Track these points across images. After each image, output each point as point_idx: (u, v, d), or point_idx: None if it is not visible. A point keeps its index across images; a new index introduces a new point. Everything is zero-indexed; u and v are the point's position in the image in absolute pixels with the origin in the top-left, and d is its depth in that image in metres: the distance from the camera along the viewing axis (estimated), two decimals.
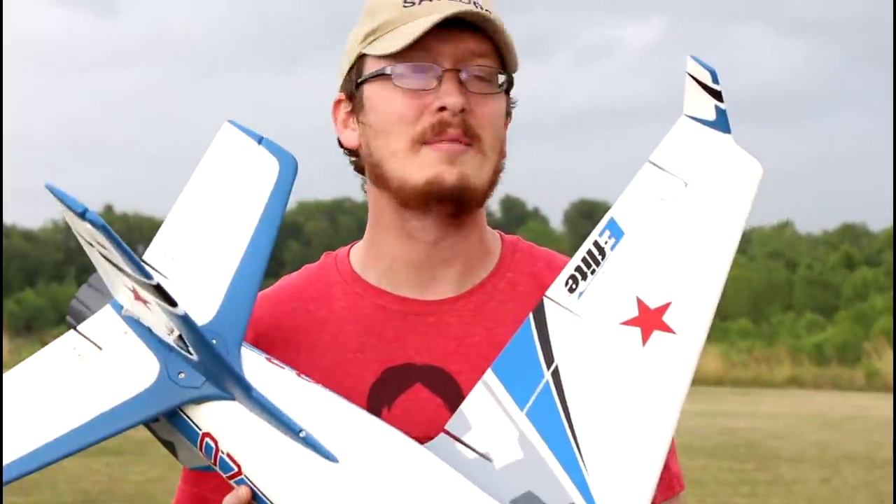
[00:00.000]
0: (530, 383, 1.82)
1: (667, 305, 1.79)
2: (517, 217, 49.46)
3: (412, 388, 2.01)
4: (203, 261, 1.96)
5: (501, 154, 2.06)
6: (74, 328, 1.96)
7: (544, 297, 1.84)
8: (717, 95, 1.79)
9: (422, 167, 1.98)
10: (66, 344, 1.93)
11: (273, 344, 2.02)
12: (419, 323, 2.04)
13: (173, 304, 1.73)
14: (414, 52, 1.98)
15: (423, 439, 1.84)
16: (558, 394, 1.79)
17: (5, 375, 1.88)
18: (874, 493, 11.19)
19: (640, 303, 1.80)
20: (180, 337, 1.81)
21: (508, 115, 2.09)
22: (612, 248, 1.83)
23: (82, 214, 1.66)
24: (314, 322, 2.07)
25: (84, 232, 1.75)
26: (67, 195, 1.70)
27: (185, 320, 1.76)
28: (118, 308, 1.93)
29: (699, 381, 28.19)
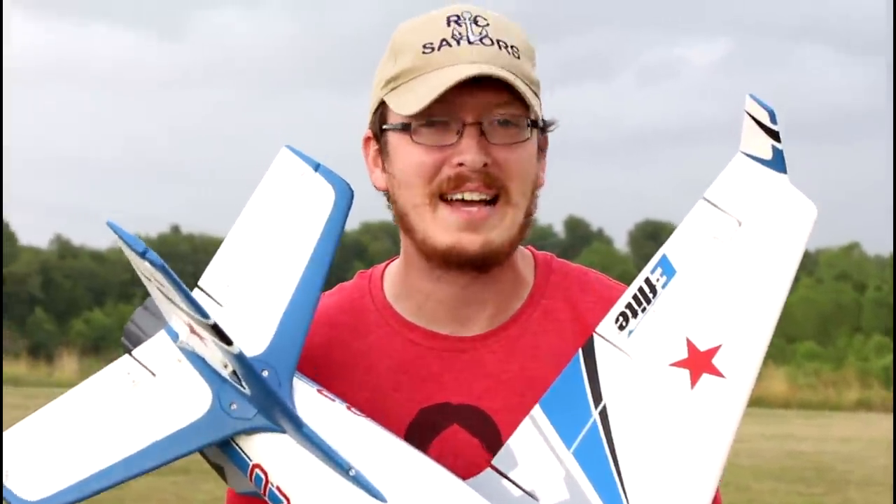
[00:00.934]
0: (578, 422, 1.81)
1: (717, 348, 1.78)
2: (581, 237, 49.30)
3: (449, 429, 1.99)
4: (257, 289, 1.96)
5: (532, 197, 2.02)
6: (129, 353, 1.97)
7: (594, 334, 1.83)
8: (774, 135, 1.77)
9: (445, 230, 1.96)
10: (120, 369, 1.94)
11: (308, 371, 1.99)
12: (454, 360, 2.02)
13: (229, 342, 1.74)
14: (434, 105, 1.94)
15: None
16: (605, 434, 1.78)
17: (63, 398, 1.89)
18: None
19: (689, 344, 1.79)
20: (234, 372, 1.82)
21: (542, 150, 2.05)
22: (664, 286, 1.82)
23: (143, 254, 1.70)
24: (349, 355, 2.05)
25: (143, 269, 1.78)
26: (128, 234, 1.72)
27: (240, 358, 1.78)
28: (173, 335, 1.93)
29: (766, 403, 27.92)
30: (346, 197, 1.98)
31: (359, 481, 1.75)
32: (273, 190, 2.03)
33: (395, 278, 2.10)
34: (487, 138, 1.95)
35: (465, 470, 1.85)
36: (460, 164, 1.93)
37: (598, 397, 1.80)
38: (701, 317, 1.79)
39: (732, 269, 1.80)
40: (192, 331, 1.82)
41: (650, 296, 1.82)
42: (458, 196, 1.95)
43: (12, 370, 26.98)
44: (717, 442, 1.75)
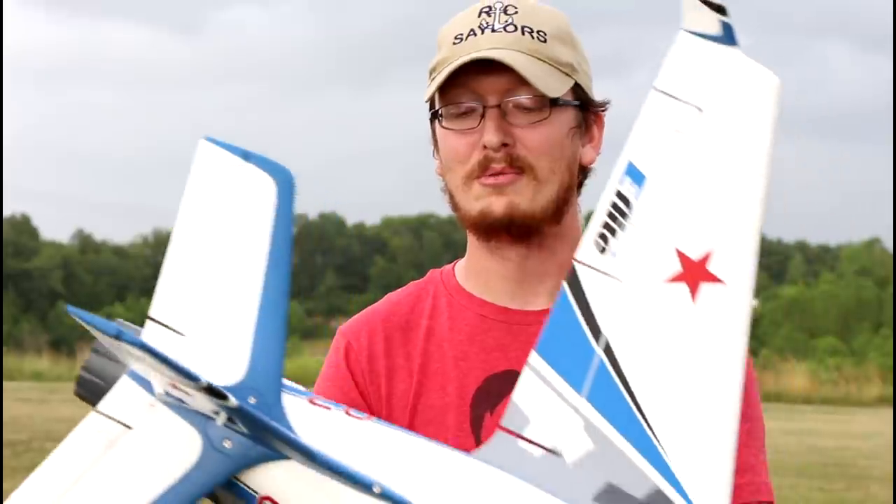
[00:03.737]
0: (583, 364, 1.66)
1: (709, 254, 1.63)
2: None
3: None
4: (218, 306, 1.75)
5: (569, 173, 2.09)
6: (94, 407, 1.75)
7: (575, 262, 1.68)
8: (719, 9, 1.63)
9: (476, 199, 2.07)
10: (90, 429, 1.72)
11: (394, 347, 2.13)
12: (520, 332, 2.10)
13: (224, 397, 1.60)
14: (458, 91, 2.07)
15: None
16: (616, 371, 1.64)
17: (35, 475, 1.69)
18: None
19: (681, 255, 1.64)
20: (229, 418, 1.67)
21: (582, 126, 2.11)
22: (637, 196, 1.67)
23: (118, 337, 1.56)
24: (423, 333, 2.15)
25: (121, 350, 1.63)
26: (97, 319, 1.59)
27: (241, 411, 1.63)
28: (136, 378, 1.74)
29: (787, 398, 27.79)
30: (288, 183, 1.78)
31: (386, 496, 1.62)
32: (204, 192, 1.80)
33: (463, 263, 2.21)
34: (508, 120, 2.04)
35: None
36: (484, 147, 2.03)
37: (596, 332, 1.66)
38: (685, 223, 1.64)
39: (704, 163, 1.65)
40: (176, 386, 1.66)
41: (625, 209, 1.67)
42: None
43: (34, 365, 27.08)
44: (732, 352, 1.63)
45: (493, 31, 2.05)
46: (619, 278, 1.67)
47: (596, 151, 2.15)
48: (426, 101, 2.14)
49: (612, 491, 1.63)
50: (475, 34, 2.06)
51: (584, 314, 1.67)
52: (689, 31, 1.66)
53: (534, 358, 1.69)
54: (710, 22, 1.64)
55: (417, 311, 2.18)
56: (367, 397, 2.12)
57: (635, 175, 1.68)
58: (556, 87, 2.05)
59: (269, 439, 1.66)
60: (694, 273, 1.64)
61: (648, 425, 1.63)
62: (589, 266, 1.68)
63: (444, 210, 2.20)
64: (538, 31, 2.05)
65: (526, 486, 1.65)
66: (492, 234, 2.09)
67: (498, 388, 2.07)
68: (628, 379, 1.64)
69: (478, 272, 2.17)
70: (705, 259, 1.64)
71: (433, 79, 2.09)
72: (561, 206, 2.09)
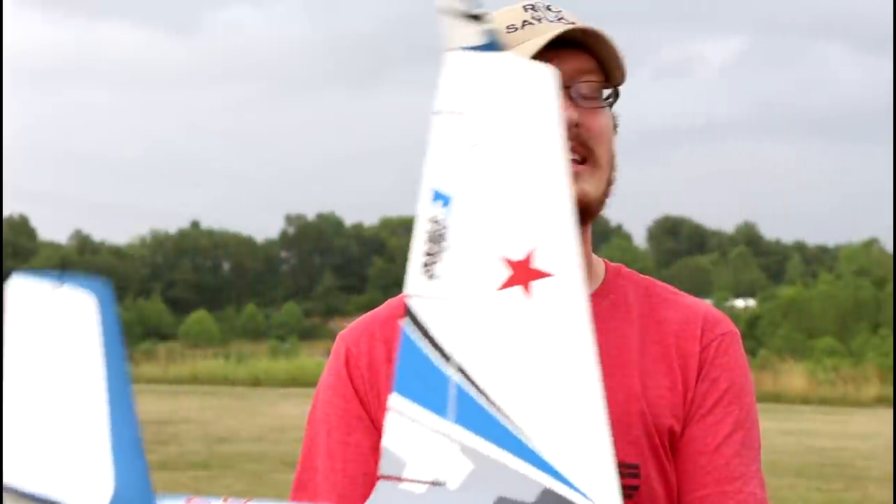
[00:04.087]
0: (442, 390, 1.68)
1: (531, 252, 1.67)
2: (601, 234, 49.34)
3: None
4: (69, 435, 1.75)
5: (613, 167, 2.11)
6: None
7: (405, 298, 1.71)
8: (478, 18, 1.66)
9: None
10: None
11: (390, 358, 2.06)
12: None
13: None
14: None
15: None
16: (475, 388, 1.67)
17: None
18: None
19: (505, 261, 1.67)
20: None
21: (615, 129, 2.14)
22: (448, 217, 1.70)
23: None
24: None
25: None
26: None
27: None
28: None
29: (785, 399, 27.73)
30: (107, 295, 1.78)
31: None
32: (25, 329, 1.80)
33: None
34: (575, 103, 2.05)
35: None
36: None
37: (445, 356, 1.67)
38: (501, 228, 1.68)
39: (504, 167, 1.69)
40: None
41: (441, 232, 1.69)
42: None
43: None
44: (578, 340, 1.65)
45: (550, 21, 2.07)
46: (453, 299, 1.70)
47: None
48: None
49: (505, 502, 1.65)
50: (532, 23, 2.07)
51: (429, 343, 1.69)
52: (455, 48, 1.69)
53: (393, 399, 1.69)
54: (473, 34, 1.67)
55: None
56: (366, 405, 2.10)
57: (441, 198, 1.71)
58: (619, 76, 2.08)
59: None
60: (522, 274, 1.67)
61: (521, 431, 1.65)
62: (421, 296, 1.70)
63: None
64: (589, 27, 2.07)
65: None
66: None
67: None
68: (488, 393, 1.67)
69: None
70: (529, 258, 1.67)
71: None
72: (607, 197, 2.11)
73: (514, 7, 2.11)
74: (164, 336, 53.46)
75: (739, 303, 49.81)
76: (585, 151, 2.05)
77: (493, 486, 1.65)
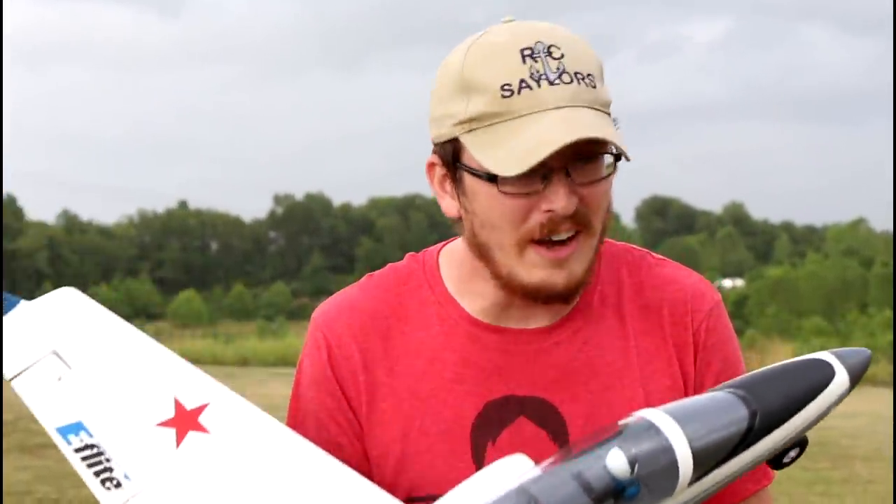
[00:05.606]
0: None
1: (204, 406, 1.85)
2: None
3: (516, 422, 1.97)
4: None
5: (607, 227, 1.96)
6: None
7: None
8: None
9: (531, 269, 1.91)
10: None
11: (374, 360, 1.99)
12: (519, 353, 1.99)
13: None
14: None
15: None
16: None
17: None
18: None
19: (177, 404, 1.85)
20: None
21: (613, 174, 1.96)
22: (91, 437, 1.85)
23: None
24: (410, 345, 2.02)
25: None
26: None
27: None
28: None
29: None
30: None
31: None
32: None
33: (457, 278, 2.05)
34: (573, 179, 1.87)
35: (534, 461, 1.78)
36: (549, 210, 1.87)
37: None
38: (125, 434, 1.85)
39: (96, 378, 1.88)
40: None
41: (96, 457, 1.85)
42: (548, 238, 1.89)
43: None
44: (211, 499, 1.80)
45: (551, 83, 1.85)
46: (140, 493, 1.82)
47: None
48: (445, 137, 1.93)
49: None
50: (530, 87, 1.85)
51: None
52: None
53: None
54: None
55: (401, 317, 2.03)
56: (353, 407, 2.01)
57: (73, 429, 1.85)
58: (619, 140, 1.86)
59: None
60: (184, 421, 1.84)
61: None
62: None
63: (430, 191, 2.04)
64: (588, 76, 1.88)
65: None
66: (544, 302, 1.95)
67: (498, 415, 1.96)
68: None
69: (474, 297, 2.01)
70: (199, 410, 1.85)
71: (477, 128, 1.88)
72: (597, 253, 1.96)
73: (507, 47, 1.89)
74: (152, 316, 53.20)
75: (727, 283, 49.91)
76: (581, 225, 1.90)
77: None
